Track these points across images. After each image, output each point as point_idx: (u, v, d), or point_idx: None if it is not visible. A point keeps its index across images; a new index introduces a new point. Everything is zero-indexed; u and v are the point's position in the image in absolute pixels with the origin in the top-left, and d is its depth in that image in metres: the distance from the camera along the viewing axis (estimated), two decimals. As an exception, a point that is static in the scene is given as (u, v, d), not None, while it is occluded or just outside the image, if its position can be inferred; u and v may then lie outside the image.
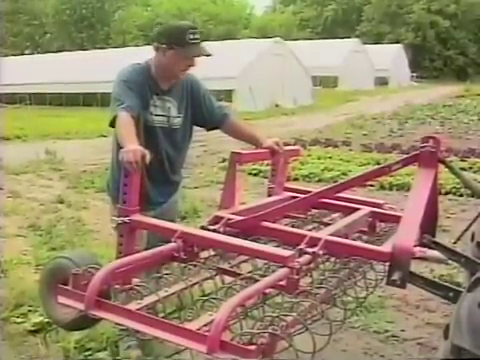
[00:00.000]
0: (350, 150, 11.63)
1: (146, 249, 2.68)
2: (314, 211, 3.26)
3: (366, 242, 2.80)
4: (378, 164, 8.35)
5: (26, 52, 49.80)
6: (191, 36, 2.93)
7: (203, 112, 3.22)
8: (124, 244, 2.67)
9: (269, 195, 3.38)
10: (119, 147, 2.74)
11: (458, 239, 2.96)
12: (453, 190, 7.53)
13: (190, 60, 3.00)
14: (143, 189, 2.88)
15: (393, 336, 3.65)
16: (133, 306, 2.13)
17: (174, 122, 3.13)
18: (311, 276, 2.42)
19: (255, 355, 1.80)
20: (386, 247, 2.42)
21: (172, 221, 3.08)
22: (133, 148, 2.57)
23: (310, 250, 2.39)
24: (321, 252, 2.41)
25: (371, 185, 7.81)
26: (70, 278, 2.27)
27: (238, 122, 3.38)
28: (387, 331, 3.70)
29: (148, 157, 2.59)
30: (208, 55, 2.99)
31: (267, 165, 6.22)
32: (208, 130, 3.38)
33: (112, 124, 2.92)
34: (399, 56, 44.28)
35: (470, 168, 9.09)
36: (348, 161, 10.03)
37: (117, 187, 2.82)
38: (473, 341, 1.63)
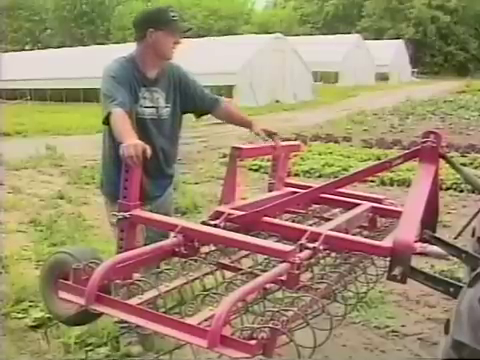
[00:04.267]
0: (351, 146, 11.62)
1: (145, 244, 2.68)
2: (315, 206, 3.26)
3: (367, 237, 2.81)
4: (379, 159, 8.35)
5: (26, 48, 49.70)
6: (172, 14, 3.04)
7: (194, 98, 3.24)
8: (125, 239, 2.67)
9: (270, 190, 3.38)
10: (114, 143, 2.74)
11: (459, 234, 2.96)
12: (454, 186, 7.52)
13: (176, 37, 3.07)
14: (140, 184, 2.89)
15: (394, 331, 3.65)
16: (134, 301, 2.13)
17: (162, 113, 3.15)
18: (312, 271, 2.42)
19: (256, 350, 1.80)
20: (387, 242, 2.42)
21: (168, 214, 3.09)
22: (134, 143, 2.58)
23: (311, 245, 2.39)
24: (322, 247, 2.41)
25: (372, 181, 7.81)
26: (71, 273, 2.27)
27: (229, 106, 3.40)
28: (388, 326, 3.70)
29: (149, 151, 2.59)
30: (190, 29, 3.19)
31: (268, 160, 6.21)
32: (198, 117, 3.39)
33: (105, 121, 2.92)
34: (400, 52, 44.17)
35: (471, 164, 9.08)
36: (349, 157, 10.02)
37: (112, 183, 2.82)
38: (473, 336, 1.63)
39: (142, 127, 3.04)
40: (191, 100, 3.24)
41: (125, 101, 2.89)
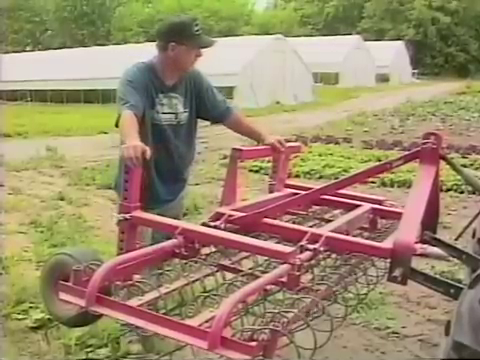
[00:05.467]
0: (351, 147, 11.61)
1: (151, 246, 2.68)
2: (315, 208, 3.26)
3: (367, 239, 2.81)
4: (379, 161, 8.35)
5: (27, 49, 49.74)
6: (196, 28, 3.01)
7: (206, 105, 3.25)
8: (125, 240, 2.67)
9: (270, 192, 3.38)
10: None
11: (459, 236, 2.95)
12: (454, 187, 7.51)
13: (199, 51, 3.07)
14: (152, 187, 2.90)
15: (394, 333, 3.65)
16: (134, 302, 2.13)
17: (181, 118, 3.17)
18: (312, 272, 2.42)
19: (256, 351, 1.80)
20: (387, 243, 2.42)
21: (177, 217, 3.08)
22: (133, 144, 2.59)
23: (311, 246, 2.39)
24: (322, 248, 2.41)
25: (372, 182, 7.81)
26: (71, 274, 2.27)
27: (241, 117, 3.41)
28: (388, 328, 3.70)
29: (149, 153, 2.59)
30: (213, 44, 3.10)
31: (268, 162, 6.20)
32: (212, 123, 3.43)
33: (118, 124, 2.94)
34: (400, 53, 44.14)
35: (471, 165, 9.08)
36: (349, 158, 10.01)
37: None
38: (474, 337, 1.63)
39: (159, 133, 3.07)
40: (203, 106, 3.25)
41: (137, 105, 2.91)
